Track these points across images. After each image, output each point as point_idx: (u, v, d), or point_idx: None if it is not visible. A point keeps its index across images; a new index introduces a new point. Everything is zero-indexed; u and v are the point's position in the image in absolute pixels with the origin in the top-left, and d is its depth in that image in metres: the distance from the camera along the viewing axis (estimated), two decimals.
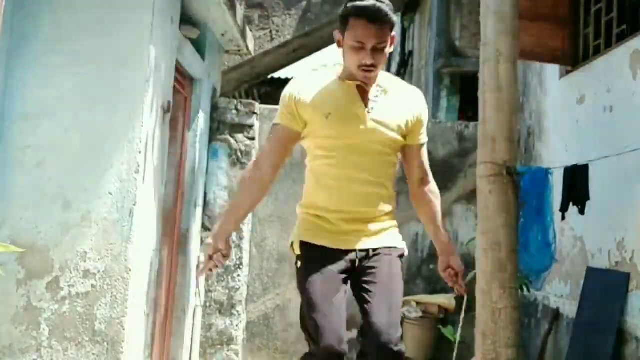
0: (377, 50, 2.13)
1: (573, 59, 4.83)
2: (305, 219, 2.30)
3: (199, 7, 4.44)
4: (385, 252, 2.25)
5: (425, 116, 2.35)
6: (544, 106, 5.47)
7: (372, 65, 2.14)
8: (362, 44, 2.11)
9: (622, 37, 4.23)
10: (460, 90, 7.87)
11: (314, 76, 2.31)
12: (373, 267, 2.20)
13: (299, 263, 2.26)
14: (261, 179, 2.26)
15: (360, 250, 2.22)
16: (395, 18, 2.22)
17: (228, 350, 5.24)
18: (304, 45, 8.32)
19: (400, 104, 2.28)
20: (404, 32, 10.63)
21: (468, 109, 7.71)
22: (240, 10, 5.19)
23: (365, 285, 2.19)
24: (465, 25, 7.53)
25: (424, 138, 2.37)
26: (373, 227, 2.26)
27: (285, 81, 10.92)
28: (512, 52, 3.71)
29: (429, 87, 8.04)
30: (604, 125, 4.30)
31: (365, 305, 2.15)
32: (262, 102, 6.20)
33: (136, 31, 3.42)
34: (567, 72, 4.98)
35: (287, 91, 2.28)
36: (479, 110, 3.85)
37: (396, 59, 10.98)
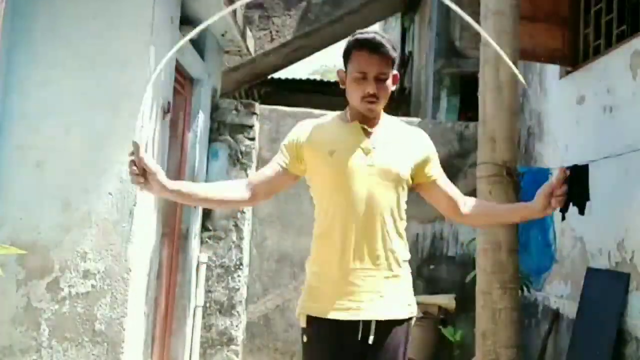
0: (380, 80, 2.12)
1: (573, 59, 4.84)
2: (310, 284, 2.21)
3: (199, 8, 4.44)
4: (395, 332, 2.15)
5: (433, 153, 2.29)
6: (544, 106, 5.48)
7: (375, 96, 2.13)
8: (364, 74, 2.11)
9: (622, 38, 4.23)
10: (461, 91, 7.86)
11: (317, 120, 2.29)
12: (381, 349, 2.12)
13: (305, 338, 2.18)
14: (233, 195, 2.17)
15: (370, 322, 2.11)
16: (396, 54, 2.18)
17: (228, 351, 5.23)
18: (304, 46, 8.32)
19: (405, 142, 2.25)
20: (404, 32, 10.63)
21: (468, 109, 7.71)
22: (240, 10, 5.20)
23: None
24: (465, 26, 7.52)
25: (437, 172, 2.29)
26: (384, 284, 2.14)
27: (286, 81, 10.94)
28: (512, 52, 3.72)
29: (429, 87, 8.04)
30: (604, 125, 4.30)
31: None
32: (262, 103, 6.21)
33: (136, 32, 3.42)
34: (567, 73, 4.98)
35: (292, 133, 2.26)
36: (479, 110, 3.86)
37: (396, 60, 10.94)
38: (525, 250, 4.55)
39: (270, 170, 2.23)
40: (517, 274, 3.72)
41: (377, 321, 2.11)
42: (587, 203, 4.14)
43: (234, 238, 5.31)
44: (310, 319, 2.15)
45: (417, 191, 2.28)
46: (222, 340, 5.24)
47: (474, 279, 3.83)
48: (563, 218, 4.43)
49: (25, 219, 3.29)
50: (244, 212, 5.35)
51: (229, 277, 5.29)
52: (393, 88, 2.20)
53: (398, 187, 2.18)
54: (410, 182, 2.22)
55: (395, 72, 2.18)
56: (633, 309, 3.77)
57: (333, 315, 2.11)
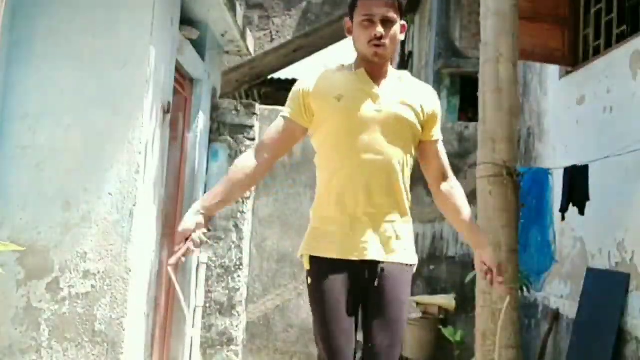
0: (387, 23, 2.10)
1: (573, 59, 4.84)
2: (315, 226, 2.22)
3: (199, 8, 4.44)
4: (398, 273, 2.15)
5: (439, 112, 2.29)
6: (544, 106, 5.48)
7: (382, 37, 2.10)
8: (371, 17, 2.09)
9: (622, 38, 4.24)
10: (460, 91, 7.87)
11: (323, 71, 2.27)
12: (384, 291, 2.13)
13: (309, 279, 2.18)
14: (255, 168, 2.18)
15: (373, 263, 2.12)
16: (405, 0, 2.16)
17: (228, 351, 5.23)
18: (304, 46, 8.32)
19: (415, 93, 2.23)
20: None
21: (468, 110, 7.71)
22: (240, 10, 5.20)
23: (372, 310, 2.13)
24: (465, 26, 7.53)
25: (438, 134, 2.29)
26: (388, 227, 2.16)
27: (286, 82, 10.93)
28: (512, 52, 3.72)
29: None
30: (604, 125, 4.30)
31: (369, 329, 2.13)
32: (262, 103, 6.22)
33: (136, 32, 3.42)
34: (567, 73, 4.98)
35: (297, 85, 2.24)
36: (479, 110, 3.86)
37: (396, 60, 10.97)
38: (525, 250, 4.55)
39: (278, 126, 2.22)
40: (517, 274, 3.72)
41: (381, 262, 2.13)
42: (587, 203, 4.14)
43: (234, 238, 5.31)
44: (315, 260, 2.16)
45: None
46: (222, 341, 5.24)
47: (474, 279, 3.83)
48: (563, 218, 4.42)
49: (25, 219, 3.29)
50: (244, 213, 5.34)
51: (229, 278, 5.28)
52: (401, 37, 2.18)
53: (406, 133, 2.18)
54: (420, 130, 2.21)
55: (402, 22, 2.16)
56: (633, 309, 3.77)
57: (339, 255, 2.12)
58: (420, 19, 9.35)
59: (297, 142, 2.30)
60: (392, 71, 2.24)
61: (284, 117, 2.22)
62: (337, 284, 2.11)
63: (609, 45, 4.42)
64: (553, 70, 5.24)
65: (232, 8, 4.74)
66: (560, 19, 4.78)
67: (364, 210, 2.14)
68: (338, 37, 8.62)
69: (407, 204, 2.22)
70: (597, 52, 4.58)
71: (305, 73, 2.31)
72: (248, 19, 7.02)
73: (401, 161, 2.16)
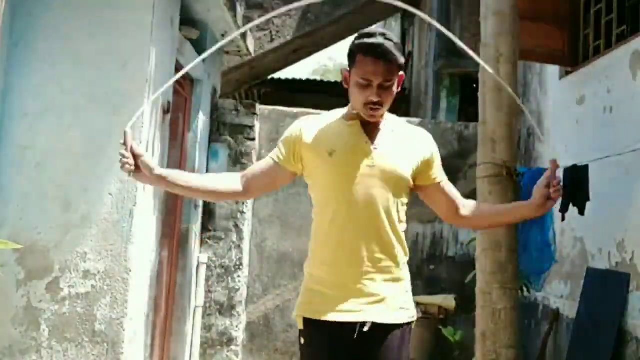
0: (384, 88, 2.06)
1: (573, 59, 4.84)
2: (307, 286, 2.18)
3: (199, 8, 4.44)
4: (396, 334, 2.12)
5: (436, 155, 2.24)
6: (544, 106, 5.48)
7: (378, 104, 2.07)
8: (369, 81, 2.05)
9: (622, 38, 4.24)
10: (460, 91, 7.87)
11: (318, 118, 2.24)
12: (380, 354, 2.09)
13: (302, 340, 2.15)
14: (227, 188, 2.16)
15: (369, 325, 2.07)
16: (403, 60, 2.12)
17: (228, 351, 5.23)
18: (304, 46, 8.32)
19: (407, 143, 2.19)
20: (404, 32, 10.64)
21: (468, 110, 7.71)
22: (240, 10, 5.20)
23: None
24: (465, 26, 7.53)
25: (440, 176, 2.25)
26: (384, 286, 2.11)
27: (286, 81, 10.93)
28: (512, 52, 3.72)
29: (429, 88, 8.05)
30: (604, 125, 4.30)
31: None
32: (262, 103, 6.21)
33: (136, 32, 3.42)
34: (567, 73, 4.98)
35: (291, 130, 2.21)
36: (478, 110, 3.86)
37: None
38: (525, 250, 4.55)
39: (265, 165, 2.20)
40: (517, 274, 3.72)
41: (376, 324, 2.07)
42: (587, 203, 4.14)
43: (234, 238, 5.31)
44: (308, 321, 2.12)
45: (417, 192, 2.24)
46: (222, 341, 5.24)
47: (473, 279, 3.83)
48: (563, 218, 4.42)
49: (25, 219, 3.29)
50: (244, 213, 5.35)
51: (229, 278, 5.29)
52: (398, 90, 2.15)
53: (399, 189, 2.14)
54: (412, 184, 2.18)
55: (401, 73, 2.12)
56: (633, 309, 3.77)
57: (331, 317, 2.07)
58: (420, 19, 9.35)
59: (280, 186, 2.29)
60: (386, 121, 2.20)
61: (273, 160, 2.19)
62: (331, 346, 2.07)
63: (609, 45, 4.42)
64: (553, 70, 5.24)
65: (232, 8, 4.74)
66: (560, 19, 4.78)
67: (356, 269, 2.09)
68: (338, 37, 8.62)
69: (403, 258, 2.17)
70: (597, 52, 4.58)
71: (302, 120, 2.24)
72: (248, 19, 7.02)
73: (394, 216, 2.13)
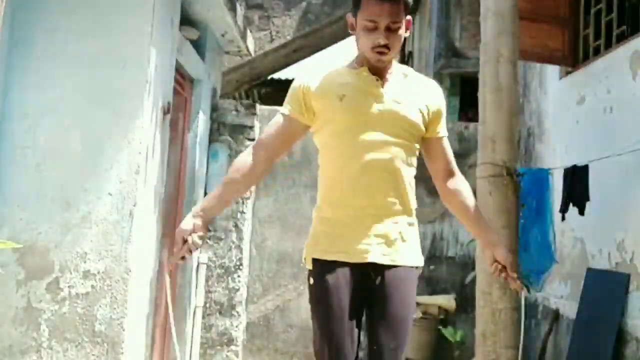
0: (391, 30, 2.04)
1: (573, 59, 4.84)
2: (317, 228, 2.17)
3: (199, 8, 4.44)
4: (403, 275, 2.11)
5: (444, 108, 2.23)
6: (544, 107, 5.48)
7: (386, 46, 2.04)
8: (375, 23, 2.02)
9: (622, 38, 4.24)
10: (461, 91, 7.87)
11: (322, 70, 2.20)
12: (388, 294, 2.08)
13: (311, 280, 2.14)
14: (255, 165, 2.14)
15: (378, 265, 2.08)
16: (410, 0, 2.10)
17: (228, 351, 5.23)
18: (304, 46, 8.32)
19: (419, 91, 2.17)
20: None
21: (468, 110, 7.71)
22: (240, 10, 5.20)
23: (377, 311, 2.09)
24: (465, 26, 7.53)
25: (443, 131, 2.24)
26: (393, 229, 2.11)
27: (286, 82, 10.93)
28: (512, 52, 3.72)
29: None
30: (604, 125, 4.30)
31: (373, 330, 2.09)
32: (262, 103, 6.22)
33: (136, 32, 3.42)
34: (567, 73, 4.98)
35: (297, 81, 2.18)
36: (479, 110, 3.86)
37: (396, 60, 10.95)
38: (525, 250, 4.55)
39: (276, 125, 2.18)
40: (517, 275, 3.72)
41: (384, 265, 2.08)
42: (587, 203, 4.14)
43: (234, 238, 5.31)
44: (317, 261, 2.12)
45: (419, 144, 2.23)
46: (222, 341, 5.24)
47: (474, 280, 3.83)
48: (563, 218, 4.42)
49: (25, 220, 3.29)
50: (244, 213, 5.35)
51: (229, 278, 5.28)
52: (406, 34, 2.13)
53: (410, 133, 2.13)
54: (423, 129, 2.16)
55: (408, 17, 2.10)
56: (633, 309, 3.76)
57: (340, 257, 2.07)
58: (420, 19, 9.35)
59: (296, 140, 2.26)
60: (395, 68, 2.18)
61: (283, 114, 2.17)
62: (341, 284, 2.07)
63: (609, 46, 4.42)
64: (553, 70, 5.24)
65: (232, 8, 4.74)
66: (560, 19, 4.78)
67: (367, 211, 2.09)
68: (338, 37, 8.62)
69: (413, 204, 2.17)
70: (597, 52, 4.58)
71: (306, 70, 2.25)
72: (248, 19, 7.02)
73: (405, 161, 2.12)
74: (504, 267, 2.27)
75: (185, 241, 2.09)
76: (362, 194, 2.09)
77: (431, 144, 2.24)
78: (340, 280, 2.07)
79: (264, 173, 2.24)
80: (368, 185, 2.09)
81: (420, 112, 2.15)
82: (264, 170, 2.21)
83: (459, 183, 2.28)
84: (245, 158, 2.17)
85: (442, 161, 2.26)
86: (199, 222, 2.11)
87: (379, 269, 2.08)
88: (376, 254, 2.08)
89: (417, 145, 2.18)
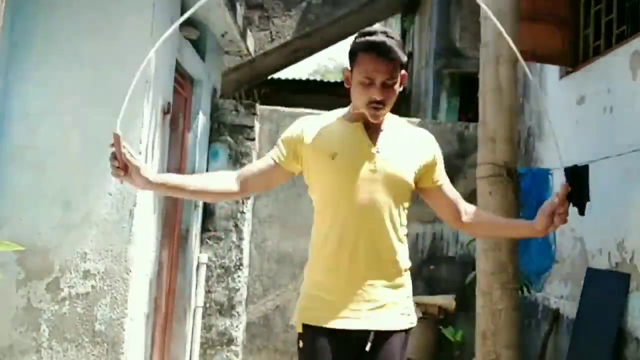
0: (387, 86, 2.03)
1: (573, 59, 4.84)
2: (307, 291, 2.16)
3: (199, 8, 4.43)
4: (394, 340, 2.10)
5: (439, 157, 2.22)
6: (544, 107, 5.48)
7: (381, 102, 2.04)
8: (371, 80, 2.02)
9: (622, 38, 4.24)
10: (460, 91, 7.86)
11: (319, 118, 2.20)
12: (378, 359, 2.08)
13: (301, 343, 2.13)
14: (223, 189, 2.12)
15: (368, 332, 2.06)
16: (405, 58, 2.08)
17: (228, 351, 5.23)
18: (304, 46, 8.33)
19: (410, 146, 2.17)
20: (404, 32, 10.64)
21: (468, 110, 7.71)
22: (240, 11, 5.20)
23: None
24: (465, 26, 7.53)
25: (442, 178, 2.23)
26: (385, 293, 2.09)
27: (286, 82, 10.95)
28: (512, 52, 3.71)
29: (429, 88, 8.04)
30: (604, 125, 4.30)
31: None
32: (262, 103, 6.21)
33: (136, 32, 3.42)
34: (567, 73, 4.98)
35: (291, 130, 2.17)
36: (479, 111, 3.86)
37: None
38: (525, 250, 4.55)
39: (263, 164, 2.16)
40: (517, 275, 3.72)
41: (376, 331, 2.05)
42: (587, 203, 4.14)
43: (234, 238, 5.31)
44: (307, 327, 2.10)
45: (419, 194, 2.22)
46: (222, 341, 5.24)
47: (474, 280, 3.83)
48: None
49: (25, 220, 3.29)
50: (244, 213, 5.35)
51: (229, 278, 5.28)
52: (400, 89, 2.11)
53: (401, 193, 2.11)
54: (414, 187, 2.15)
55: (403, 72, 2.09)
56: (633, 309, 3.76)
57: (331, 324, 2.05)
58: (420, 19, 9.35)
59: (276, 185, 2.26)
60: (388, 122, 2.18)
61: (273, 160, 2.16)
62: (330, 352, 2.05)
63: (609, 46, 4.42)
64: (553, 70, 5.24)
65: (232, 8, 4.74)
66: (560, 19, 4.78)
67: (357, 275, 2.07)
68: (338, 37, 8.62)
69: (405, 265, 2.16)
70: (597, 52, 4.58)
71: (302, 120, 2.20)
72: (248, 19, 7.03)
73: (396, 221, 2.11)
74: (558, 205, 2.22)
75: (115, 155, 2.04)
76: (351, 258, 2.07)
77: (432, 193, 2.23)
78: (330, 350, 2.05)
79: (229, 198, 2.24)
80: (359, 248, 2.07)
81: (412, 168, 2.14)
82: (231, 196, 2.21)
83: (468, 212, 2.25)
84: (226, 177, 2.15)
85: (447, 207, 2.24)
86: (145, 174, 2.02)
87: (369, 336, 2.06)
88: (368, 320, 2.06)
89: (408, 204, 2.17)
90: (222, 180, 2.14)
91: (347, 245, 2.07)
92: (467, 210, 2.24)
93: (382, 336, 2.07)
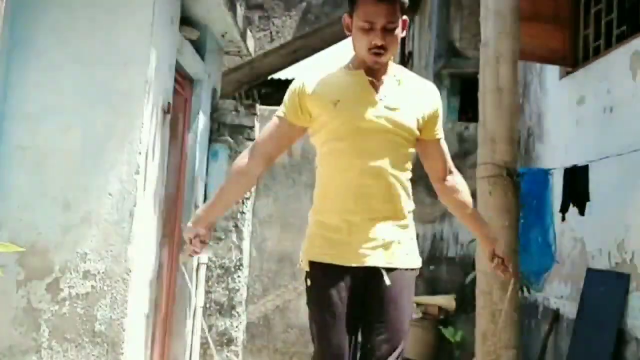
0: (388, 30, 2.02)
1: (573, 59, 4.84)
2: (314, 231, 2.17)
3: (199, 8, 4.44)
4: (399, 278, 2.11)
5: (440, 110, 2.24)
6: (544, 106, 5.48)
7: (383, 47, 2.03)
8: (371, 24, 2.01)
9: (622, 38, 4.24)
10: (460, 91, 7.87)
11: (320, 70, 2.20)
12: (384, 296, 2.09)
13: (308, 281, 2.15)
14: (250, 169, 2.17)
15: (374, 269, 2.08)
16: (406, 0, 2.08)
17: (228, 352, 5.23)
18: (304, 46, 8.32)
19: (414, 95, 2.17)
20: None
21: (468, 110, 7.71)
22: (240, 11, 5.19)
23: (373, 313, 2.10)
24: (465, 26, 7.53)
25: (440, 133, 2.25)
26: (390, 232, 2.11)
27: (286, 82, 10.92)
28: (512, 52, 3.72)
29: None
30: (604, 125, 4.30)
31: (369, 331, 2.10)
32: (262, 103, 6.22)
33: (136, 32, 3.42)
34: (567, 73, 4.98)
35: (293, 84, 2.18)
36: (479, 111, 3.86)
37: (396, 60, 10.98)
38: (525, 250, 4.55)
39: (273, 127, 2.19)
40: (518, 275, 3.72)
41: (383, 268, 2.09)
42: (587, 203, 4.14)
43: (234, 239, 5.31)
44: (314, 264, 2.13)
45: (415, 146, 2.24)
46: (222, 341, 5.24)
47: (474, 280, 3.83)
48: (563, 218, 4.43)
49: (25, 220, 3.29)
50: (244, 213, 5.34)
51: (229, 278, 5.28)
52: (402, 34, 2.10)
53: (405, 139, 2.13)
54: (418, 134, 2.16)
55: (404, 17, 2.08)
56: (633, 309, 3.76)
57: (339, 261, 2.08)
58: (420, 19, 9.35)
59: (293, 142, 2.28)
60: (391, 70, 2.17)
61: (279, 117, 2.18)
62: (337, 287, 2.08)
63: (609, 46, 4.42)
64: (553, 70, 5.24)
65: (232, 8, 4.73)
66: (560, 19, 4.78)
67: (363, 215, 2.10)
68: (338, 38, 8.61)
69: (408, 208, 2.17)
70: (597, 52, 4.58)
71: (304, 72, 2.26)
72: (248, 19, 7.02)
73: (400, 166, 2.13)
74: (502, 260, 2.31)
75: (190, 242, 2.26)
76: (357, 200, 2.10)
77: (428, 145, 2.24)
78: (338, 284, 2.08)
79: (261, 175, 2.28)
80: (363, 190, 2.09)
81: (415, 116, 2.14)
82: (261, 172, 2.25)
83: (456, 180, 2.30)
84: (242, 161, 2.19)
85: (439, 162, 2.27)
86: (201, 229, 2.25)
87: (376, 273, 2.09)
88: (374, 257, 2.09)
89: (412, 150, 2.18)
90: (246, 175, 2.20)
91: (352, 188, 2.10)
92: (456, 178, 2.30)
93: (390, 274, 2.10)
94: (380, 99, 2.11)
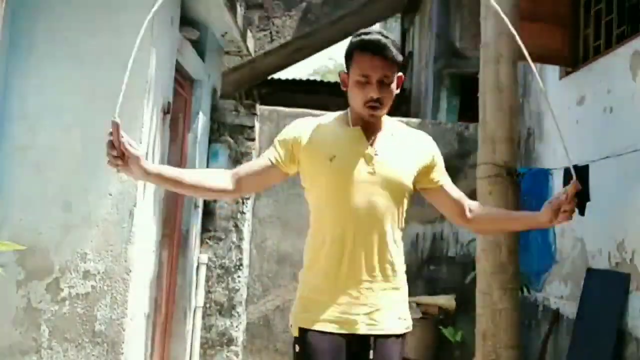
0: (384, 85, 2.02)
1: (573, 59, 4.84)
2: (305, 294, 2.16)
3: (199, 8, 4.44)
4: (390, 345, 2.09)
5: (438, 158, 2.22)
6: (544, 107, 5.47)
7: (379, 100, 2.03)
8: (367, 77, 2.02)
9: (622, 38, 4.23)
10: (461, 91, 7.86)
11: (316, 120, 2.18)
12: None
13: (297, 348, 2.15)
14: (217, 187, 2.08)
15: (363, 336, 2.06)
16: (401, 58, 2.08)
17: (228, 352, 5.23)
18: (304, 46, 8.32)
19: (408, 149, 2.16)
20: (403, 32, 10.64)
21: (468, 110, 7.71)
22: (240, 11, 5.20)
23: None
24: (465, 26, 7.53)
25: (443, 178, 2.22)
26: (381, 297, 2.09)
27: (286, 82, 10.94)
28: (512, 52, 3.72)
29: (429, 88, 8.04)
30: (604, 126, 4.30)
31: None
32: (262, 103, 6.22)
33: (136, 31, 3.41)
34: (567, 73, 4.98)
35: (290, 131, 2.16)
36: (479, 111, 3.86)
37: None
38: (525, 250, 4.55)
39: (259, 164, 2.14)
40: (517, 275, 3.72)
41: (373, 335, 2.05)
42: (587, 203, 4.14)
43: (234, 239, 5.31)
44: (304, 330, 2.10)
45: (421, 194, 2.22)
46: (222, 341, 5.24)
47: (474, 280, 3.83)
48: None
49: (25, 220, 3.29)
50: (244, 213, 5.34)
51: (229, 278, 5.28)
52: (397, 91, 2.11)
53: (400, 196, 2.11)
54: (412, 190, 2.15)
55: (399, 73, 2.08)
56: (633, 309, 3.76)
57: (328, 328, 2.05)
58: (421, 19, 9.35)
59: (271, 185, 2.26)
60: (386, 125, 2.17)
61: (269, 160, 2.14)
62: (327, 355, 2.05)
63: (609, 46, 4.42)
64: (553, 70, 5.24)
65: (232, 8, 4.74)
66: (560, 19, 4.78)
67: (355, 278, 2.07)
68: (338, 37, 8.62)
69: (401, 268, 2.15)
70: (597, 52, 4.57)
71: (299, 121, 2.19)
72: (248, 19, 7.02)
73: (394, 224, 2.11)
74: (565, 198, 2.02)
75: (112, 144, 1.95)
76: (348, 261, 2.07)
77: (434, 193, 2.23)
78: (327, 352, 2.05)
79: (222, 195, 2.20)
80: (356, 251, 2.06)
81: (410, 172, 2.13)
82: (225, 195, 2.18)
83: (472, 208, 2.24)
84: (223, 175, 2.12)
85: (450, 206, 2.24)
86: (143, 165, 1.95)
87: (366, 339, 2.07)
88: (364, 324, 2.07)
89: (406, 204, 2.16)
90: (218, 177, 2.11)
91: (344, 249, 2.06)
92: (472, 207, 2.24)
93: (380, 340, 2.07)
94: (376, 154, 2.10)
